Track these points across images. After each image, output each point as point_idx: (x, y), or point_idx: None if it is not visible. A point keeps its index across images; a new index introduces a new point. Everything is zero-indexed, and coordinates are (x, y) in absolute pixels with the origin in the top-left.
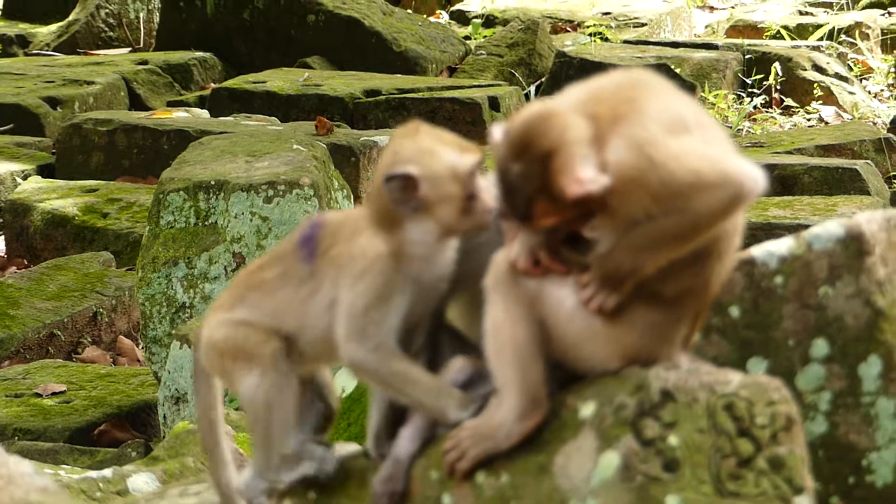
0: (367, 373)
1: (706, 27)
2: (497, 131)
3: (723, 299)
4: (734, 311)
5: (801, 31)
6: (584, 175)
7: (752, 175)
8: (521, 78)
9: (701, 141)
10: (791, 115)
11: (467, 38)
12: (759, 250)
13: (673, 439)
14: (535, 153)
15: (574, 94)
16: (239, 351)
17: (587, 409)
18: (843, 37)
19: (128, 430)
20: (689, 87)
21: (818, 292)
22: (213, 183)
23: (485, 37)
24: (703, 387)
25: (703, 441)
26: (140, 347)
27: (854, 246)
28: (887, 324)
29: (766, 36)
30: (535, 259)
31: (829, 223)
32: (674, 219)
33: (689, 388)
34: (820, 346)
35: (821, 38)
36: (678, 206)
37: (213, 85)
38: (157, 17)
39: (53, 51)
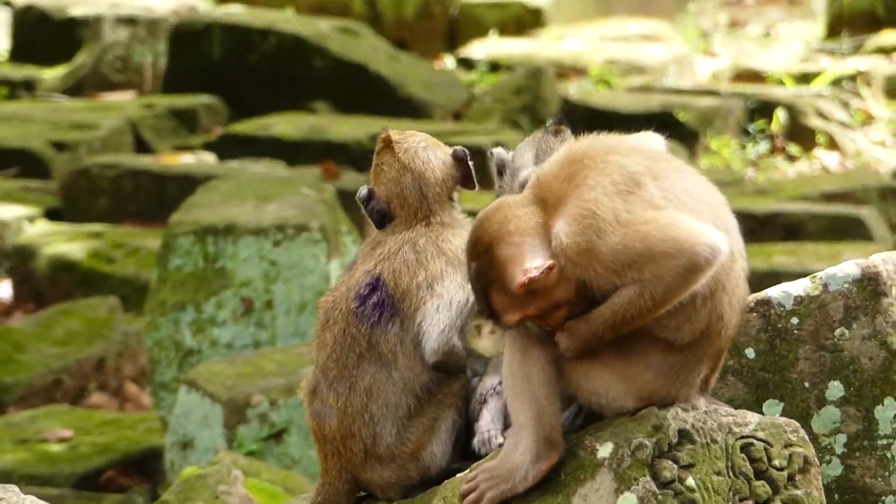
0: (458, 358)
1: (709, 74)
2: None
3: (739, 341)
4: (750, 353)
5: (805, 79)
6: (528, 264)
7: (710, 243)
8: (525, 124)
9: (659, 195)
10: (794, 162)
11: (472, 83)
12: (775, 291)
13: (690, 481)
14: (482, 248)
15: (530, 182)
16: None
17: (605, 450)
18: (846, 84)
19: (134, 476)
20: (691, 134)
21: (834, 333)
22: (221, 226)
23: (490, 83)
24: (721, 428)
25: (721, 483)
26: (147, 392)
27: (870, 287)
28: None
29: (770, 83)
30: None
31: (844, 264)
32: (631, 295)
33: (707, 429)
34: (835, 388)
35: (825, 85)
36: (633, 277)
37: (219, 129)
38: (163, 61)
39: (60, 94)
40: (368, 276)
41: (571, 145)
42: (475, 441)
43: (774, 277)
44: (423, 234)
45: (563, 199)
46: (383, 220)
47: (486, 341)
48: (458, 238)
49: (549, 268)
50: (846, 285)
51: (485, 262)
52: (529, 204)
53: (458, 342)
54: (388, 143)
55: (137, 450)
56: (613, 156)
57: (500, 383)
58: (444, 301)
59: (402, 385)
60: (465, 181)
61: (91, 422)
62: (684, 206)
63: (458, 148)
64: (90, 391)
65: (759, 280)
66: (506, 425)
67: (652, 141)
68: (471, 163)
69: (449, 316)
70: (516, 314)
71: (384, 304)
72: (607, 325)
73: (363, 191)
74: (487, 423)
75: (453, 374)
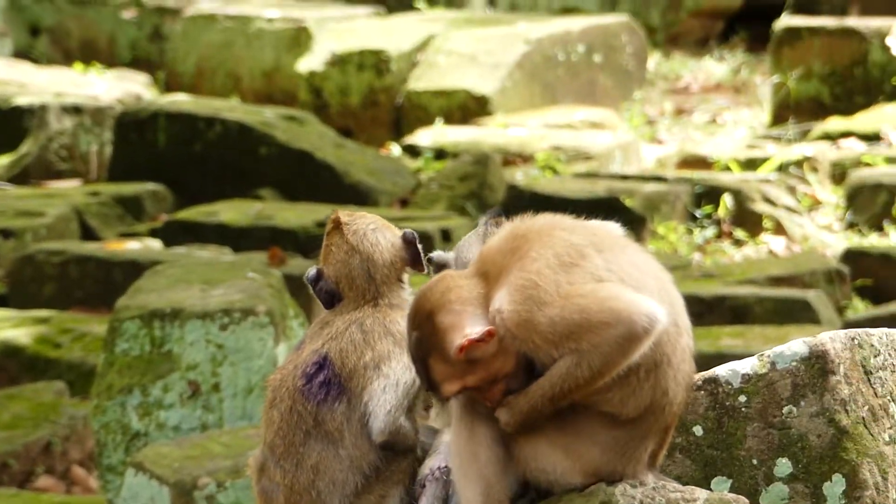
0: (405, 438)
1: (655, 161)
2: None
3: (686, 418)
4: (698, 430)
5: (751, 165)
6: (468, 330)
7: (647, 312)
8: (472, 210)
9: (604, 267)
10: (741, 247)
11: (419, 170)
12: (722, 369)
13: None
14: (422, 317)
15: (474, 257)
16: None
17: None
18: (792, 169)
19: None
20: (638, 219)
21: (782, 411)
22: (168, 311)
23: (436, 170)
24: (670, 503)
25: None
26: (94, 476)
27: (818, 365)
28: (851, 443)
29: (716, 169)
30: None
31: (792, 342)
32: (569, 366)
33: None
34: (784, 465)
35: (771, 171)
36: (571, 348)
37: (164, 216)
38: (108, 150)
39: (5, 183)
40: (315, 354)
41: (517, 222)
42: None
43: (721, 359)
44: (371, 314)
45: (506, 270)
46: (332, 300)
47: (434, 422)
48: (405, 319)
49: (489, 333)
50: (794, 363)
51: (425, 330)
52: (472, 276)
53: (405, 422)
54: (338, 225)
55: None
56: (558, 231)
57: (439, 468)
58: (391, 381)
59: (349, 463)
60: (414, 263)
61: None
62: (629, 278)
63: (408, 230)
64: (37, 475)
65: (707, 362)
66: None
67: (611, 228)
68: (420, 246)
69: (395, 396)
70: (456, 384)
71: (331, 382)
72: (545, 397)
73: (311, 271)
74: None
75: (401, 453)
